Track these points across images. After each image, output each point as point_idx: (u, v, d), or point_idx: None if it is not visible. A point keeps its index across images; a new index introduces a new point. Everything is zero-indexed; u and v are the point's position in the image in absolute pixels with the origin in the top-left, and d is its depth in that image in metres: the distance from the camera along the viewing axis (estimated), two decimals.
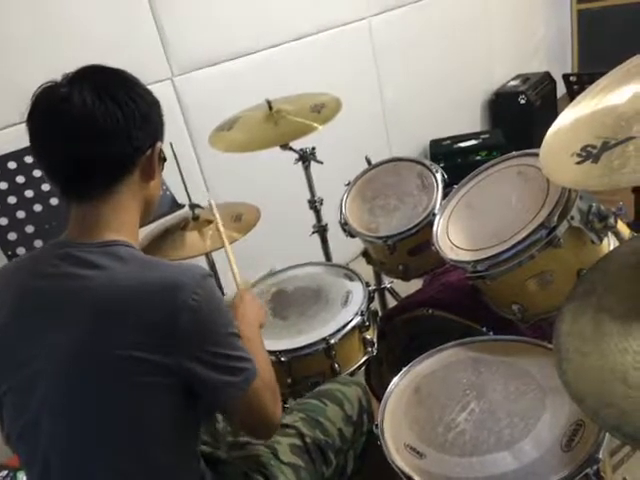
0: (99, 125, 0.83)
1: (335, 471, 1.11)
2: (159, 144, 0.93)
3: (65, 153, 0.85)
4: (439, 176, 1.54)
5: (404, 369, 1.20)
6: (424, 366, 1.21)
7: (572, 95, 2.15)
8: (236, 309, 1.11)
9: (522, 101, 3.59)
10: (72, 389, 0.81)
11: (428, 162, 1.59)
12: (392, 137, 3.08)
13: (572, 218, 1.16)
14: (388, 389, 1.16)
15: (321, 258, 1.98)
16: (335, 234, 1.91)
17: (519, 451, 0.94)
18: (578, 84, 2.09)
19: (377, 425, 1.08)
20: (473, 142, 3.19)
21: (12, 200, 1.52)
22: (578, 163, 1.00)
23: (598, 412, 0.80)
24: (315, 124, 1.56)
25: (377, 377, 1.57)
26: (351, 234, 1.59)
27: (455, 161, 3.15)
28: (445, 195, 1.49)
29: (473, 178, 1.44)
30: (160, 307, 0.80)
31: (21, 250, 1.51)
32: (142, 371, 0.79)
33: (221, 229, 1.37)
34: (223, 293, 1.78)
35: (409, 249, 1.52)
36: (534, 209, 1.21)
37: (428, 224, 1.44)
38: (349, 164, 2.12)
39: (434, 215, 1.44)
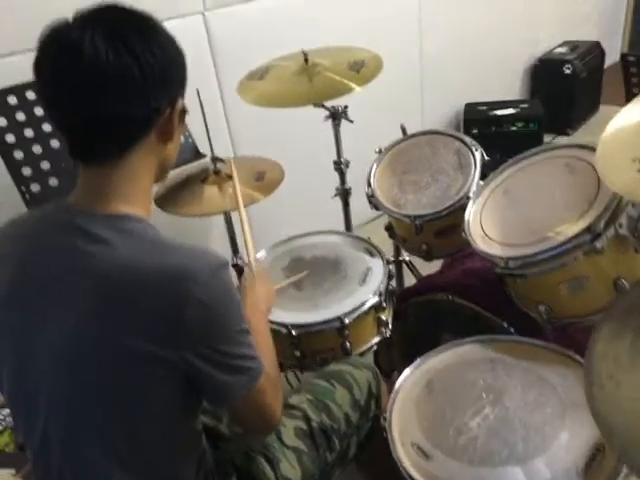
0: (112, 82, 0.73)
1: (337, 456, 1.09)
2: (180, 102, 0.82)
3: (72, 111, 0.75)
4: (478, 155, 1.44)
5: (417, 360, 1.16)
6: (439, 360, 1.16)
7: (628, 78, 2.00)
8: (246, 295, 1.06)
9: (567, 71, 3.38)
10: (69, 372, 0.76)
11: (468, 139, 1.49)
12: (427, 96, 2.93)
13: (620, 225, 1.07)
14: (399, 379, 1.13)
15: (342, 221, 1.92)
16: (357, 198, 1.84)
17: (532, 469, 0.90)
18: (637, 66, 1.93)
19: (385, 418, 1.05)
20: (510, 111, 3.02)
21: (29, 133, 1.45)
22: None
23: (627, 450, 0.75)
24: (353, 84, 1.45)
25: (386, 358, 1.54)
26: (377, 207, 1.51)
27: (489, 129, 3.00)
28: (483, 176, 1.40)
29: (515, 163, 1.34)
30: (167, 297, 0.73)
31: (35, 187, 1.46)
32: (143, 361, 0.74)
33: (243, 217, 1.29)
34: (238, 256, 1.72)
35: (436, 230, 1.45)
36: (579, 209, 1.13)
37: (460, 207, 1.36)
38: (380, 124, 2.01)
39: (468, 199, 1.35)
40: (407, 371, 1.14)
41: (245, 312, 1.00)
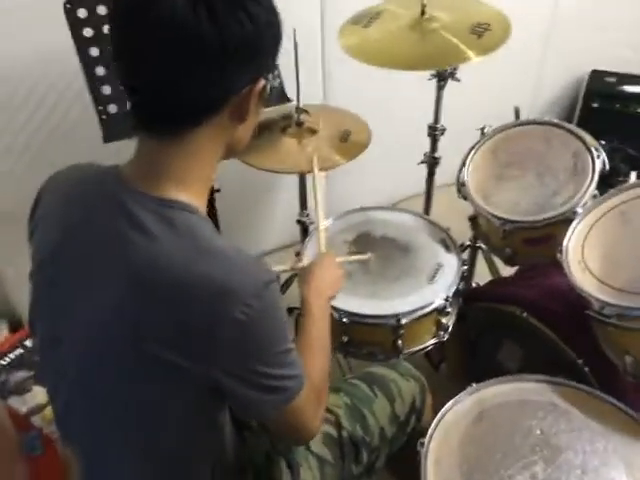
0: (185, 49, 0.62)
1: (364, 469, 1.03)
2: (262, 82, 0.70)
3: (134, 70, 0.66)
4: (599, 163, 1.22)
5: (473, 386, 1.05)
6: (496, 391, 1.05)
7: None
8: (312, 278, 0.97)
9: None
10: (91, 363, 0.72)
11: (590, 139, 1.26)
12: (550, 56, 2.57)
13: None
14: (448, 404, 1.03)
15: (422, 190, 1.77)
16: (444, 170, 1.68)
17: None
18: None
19: (422, 443, 0.97)
20: None
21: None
22: None
23: None
24: (471, 53, 1.24)
25: (437, 348, 1.42)
26: (465, 197, 1.35)
27: (612, 106, 2.62)
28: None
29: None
30: (205, 312, 0.65)
31: (113, 108, 1.38)
32: (167, 371, 0.67)
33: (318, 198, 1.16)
34: (305, 212, 1.61)
35: (527, 238, 1.28)
36: None
37: (563, 221, 1.18)
38: (488, 84, 1.77)
39: (574, 213, 1.17)
40: (459, 397, 1.04)
41: (308, 296, 0.94)
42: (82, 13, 1.28)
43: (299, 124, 1.41)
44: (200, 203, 0.73)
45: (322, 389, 0.84)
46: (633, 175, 1.22)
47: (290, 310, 1.44)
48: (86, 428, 0.77)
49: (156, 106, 0.67)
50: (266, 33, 0.67)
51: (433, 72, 1.54)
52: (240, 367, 0.69)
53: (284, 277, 1.86)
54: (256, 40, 0.65)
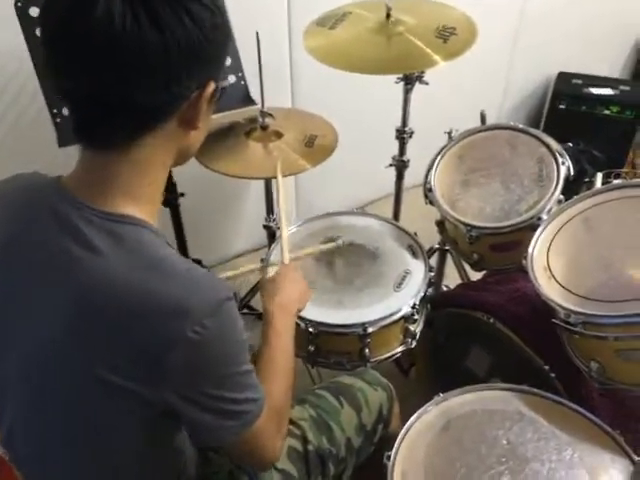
0: (125, 57, 0.58)
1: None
2: (212, 85, 0.67)
3: (76, 82, 0.61)
4: (563, 170, 1.22)
5: (440, 396, 1.04)
6: (462, 401, 1.04)
7: None
8: (276, 293, 0.94)
9: None
10: (33, 390, 0.68)
11: (555, 145, 1.27)
12: (517, 57, 2.59)
13: None
14: (414, 416, 1.01)
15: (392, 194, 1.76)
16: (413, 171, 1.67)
17: None
18: None
19: (389, 456, 0.95)
20: (608, 91, 2.66)
21: None
22: None
23: None
24: (437, 57, 1.23)
25: (406, 353, 1.41)
26: (431, 202, 1.34)
27: (578, 107, 2.66)
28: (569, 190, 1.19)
29: (604, 192, 1.13)
30: (155, 333, 0.61)
31: (67, 110, 1.34)
32: (117, 398, 0.64)
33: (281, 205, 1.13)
34: (272, 217, 1.58)
35: (493, 244, 1.27)
36: None
37: (528, 226, 1.18)
38: (456, 85, 1.78)
39: (539, 220, 1.17)
40: (425, 407, 1.02)
41: (272, 310, 0.90)
42: (34, 12, 1.23)
43: (264, 128, 1.38)
44: (151, 215, 0.69)
45: (283, 408, 0.81)
46: (599, 177, 1.23)
47: (259, 316, 1.42)
48: (33, 450, 0.72)
49: (99, 117, 0.63)
50: (212, 36, 0.63)
51: (400, 75, 1.53)
52: (195, 390, 0.65)
53: (251, 283, 1.83)
54: (202, 43, 0.62)
